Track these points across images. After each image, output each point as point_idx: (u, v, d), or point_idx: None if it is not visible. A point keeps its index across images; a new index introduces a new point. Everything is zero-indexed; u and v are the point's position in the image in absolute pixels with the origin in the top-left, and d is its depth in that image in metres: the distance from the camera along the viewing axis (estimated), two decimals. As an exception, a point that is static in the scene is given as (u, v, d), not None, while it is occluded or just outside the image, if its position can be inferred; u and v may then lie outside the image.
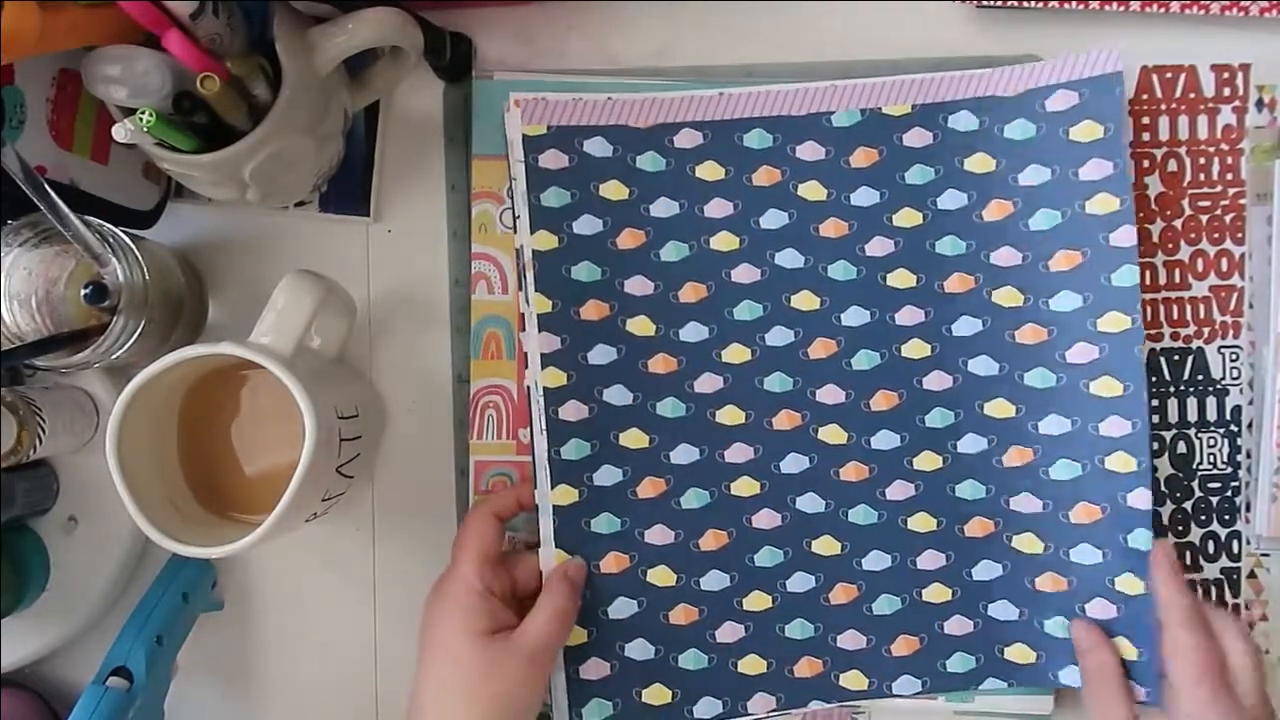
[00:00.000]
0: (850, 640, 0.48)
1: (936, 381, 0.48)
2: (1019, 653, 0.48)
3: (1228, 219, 0.50)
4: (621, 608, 0.48)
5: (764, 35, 0.50)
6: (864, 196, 0.48)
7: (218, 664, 0.52)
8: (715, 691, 0.48)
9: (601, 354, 0.48)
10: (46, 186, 0.39)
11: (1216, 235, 0.50)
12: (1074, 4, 0.48)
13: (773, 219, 0.48)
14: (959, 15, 0.50)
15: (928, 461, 0.48)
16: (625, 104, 0.48)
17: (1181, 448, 0.50)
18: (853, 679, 0.48)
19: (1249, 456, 0.50)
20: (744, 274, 0.48)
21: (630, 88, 0.49)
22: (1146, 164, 0.50)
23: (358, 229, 0.51)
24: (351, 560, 0.51)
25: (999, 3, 0.49)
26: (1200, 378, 0.50)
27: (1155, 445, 0.50)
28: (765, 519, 0.48)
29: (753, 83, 0.48)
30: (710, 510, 0.48)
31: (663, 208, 0.48)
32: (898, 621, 0.48)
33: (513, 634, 0.43)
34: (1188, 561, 0.50)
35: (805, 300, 0.48)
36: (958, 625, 0.48)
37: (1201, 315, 0.50)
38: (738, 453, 0.48)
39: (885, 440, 0.48)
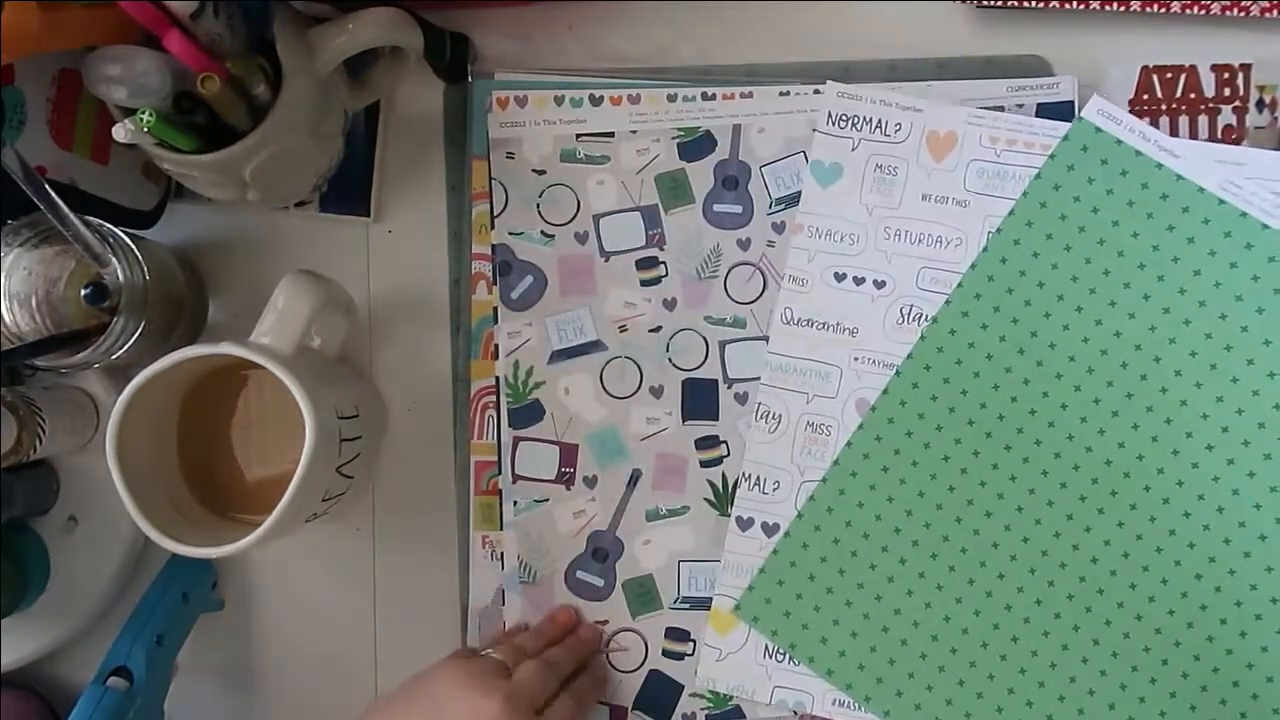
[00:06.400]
0: None
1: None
2: None
3: (1228, 219, 0.50)
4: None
5: (764, 35, 0.50)
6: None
7: (218, 664, 0.52)
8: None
9: None
10: (46, 186, 0.39)
11: (1216, 235, 0.50)
12: (1074, 4, 0.48)
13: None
14: (959, 15, 0.50)
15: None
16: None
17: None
18: None
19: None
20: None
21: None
22: (1146, 164, 0.50)
23: (358, 229, 0.51)
24: (351, 560, 0.51)
25: (999, 3, 0.49)
26: (1200, 378, 0.50)
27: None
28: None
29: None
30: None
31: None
32: None
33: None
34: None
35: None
36: None
37: (1201, 315, 0.50)
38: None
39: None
